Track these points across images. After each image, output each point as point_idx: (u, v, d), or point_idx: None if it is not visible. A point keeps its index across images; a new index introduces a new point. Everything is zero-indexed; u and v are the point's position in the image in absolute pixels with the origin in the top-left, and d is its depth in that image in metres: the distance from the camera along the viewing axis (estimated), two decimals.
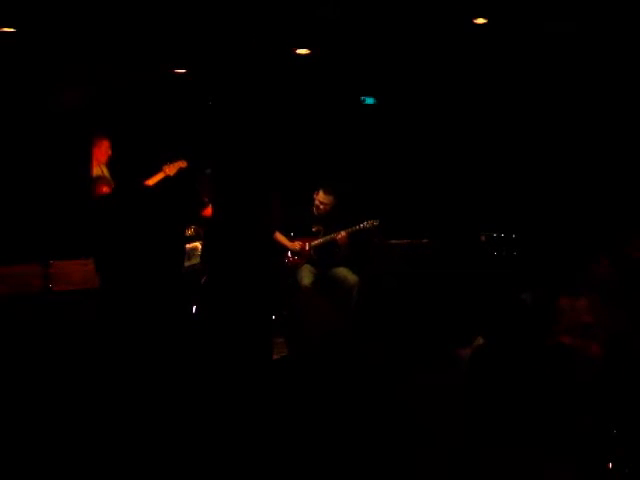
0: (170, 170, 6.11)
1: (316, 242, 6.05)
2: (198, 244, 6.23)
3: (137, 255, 5.40)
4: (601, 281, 4.02)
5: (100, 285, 5.28)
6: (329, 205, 6.02)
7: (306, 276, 5.91)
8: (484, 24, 5.60)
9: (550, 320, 3.67)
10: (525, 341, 3.35)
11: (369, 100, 7.55)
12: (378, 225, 5.91)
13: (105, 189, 5.97)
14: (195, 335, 4.90)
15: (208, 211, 6.16)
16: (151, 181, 6.08)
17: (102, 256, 5.39)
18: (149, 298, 5.25)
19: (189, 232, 6.28)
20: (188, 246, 6.20)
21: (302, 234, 6.10)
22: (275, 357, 4.77)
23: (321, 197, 6.03)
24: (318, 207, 6.03)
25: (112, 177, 6.12)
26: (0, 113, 6.17)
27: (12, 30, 5.65)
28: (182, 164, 6.16)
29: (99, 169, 6.06)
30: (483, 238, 6.39)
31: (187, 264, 6.12)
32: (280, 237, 6.10)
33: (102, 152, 6.09)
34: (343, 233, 5.89)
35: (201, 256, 6.11)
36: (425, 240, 6.57)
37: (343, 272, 5.94)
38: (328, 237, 5.99)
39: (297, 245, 6.03)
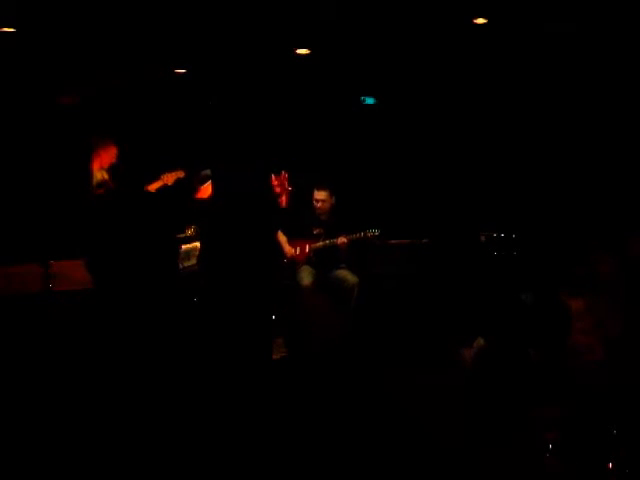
0: (168, 179, 6.13)
1: (316, 245, 6.05)
2: (198, 244, 6.23)
3: (131, 256, 5.40)
4: (603, 281, 4.01)
5: (94, 286, 5.29)
6: (326, 202, 6.04)
7: (306, 277, 5.91)
8: (484, 24, 5.60)
9: (550, 321, 3.67)
10: (525, 341, 3.35)
11: (369, 100, 7.55)
12: (378, 236, 5.92)
13: (102, 192, 5.98)
14: (195, 335, 4.90)
15: (200, 193, 6.21)
16: (150, 188, 6.10)
17: (95, 257, 5.39)
18: (147, 299, 5.25)
19: (189, 232, 6.29)
20: (188, 246, 6.20)
21: (303, 235, 6.11)
22: (275, 357, 4.77)
23: (316, 195, 6.07)
24: (317, 206, 6.07)
25: (112, 181, 6.12)
26: (1, 114, 6.18)
27: (12, 30, 5.65)
28: (180, 174, 6.18)
29: (100, 173, 6.05)
30: (483, 238, 6.39)
31: (187, 264, 6.12)
32: (281, 238, 6.12)
33: (108, 156, 6.08)
34: (344, 239, 5.90)
35: (198, 257, 6.11)
36: (425, 240, 6.57)
37: (343, 272, 5.94)
38: (329, 242, 6.00)
39: (291, 252, 6.06)
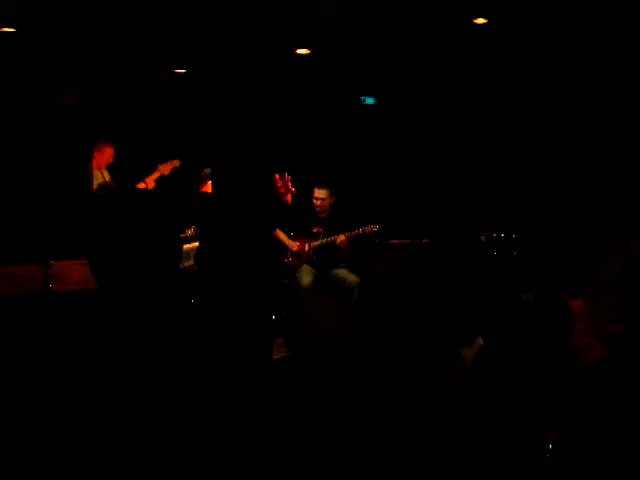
0: (165, 169, 6.14)
1: (316, 243, 6.04)
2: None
3: (133, 256, 5.40)
4: (604, 282, 4.01)
5: (97, 286, 5.29)
6: (326, 200, 6.05)
7: (306, 276, 5.91)
8: (484, 24, 5.60)
9: (551, 321, 3.67)
10: (525, 341, 3.35)
11: (369, 100, 7.55)
12: (378, 231, 5.92)
13: (103, 192, 5.99)
14: (195, 335, 4.90)
15: (207, 187, 6.25)
16: (147, 181, 6.10)
17: (97, 257, 5.39)
18: (147, 298, 5.24)
19: (189, 232, 6.28)
20: (188, 246, 6.20)
21: (303, 234, 6.11)
22: (275, 357, 4.77)
23: (316, 193, 6.07)
24: (316, 204, 6.06)
25: (113, 180, 6.13)
26: (0, 113, 6.17)
27: (12, 30, 5.65)
28: (176, 163, 6.19)
29: (99, 173, 6.06)
30: (483, 238, 6.39)
31: (187, 264, 6.12)
32: (281, 235, 6.11)
33: (104, 158, 6.09)
34: (343, 237, 5.90)
35: (195, 257, 6.11)
36: (425, 240, 6.57)
37: (343, 272, 5.94)
38: (328, 240, 5.99)
39: (295, 245, 6.04)
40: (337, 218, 6.09)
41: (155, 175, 6.13)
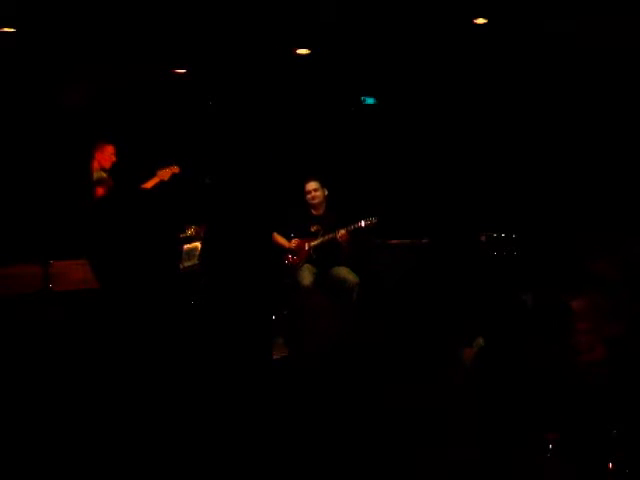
0: (164, 175, 6.15)
1: (315, 242, 6.03)
2: (198, 244, 6.24)
3: (134, 256, 5.40)
4: (604, 281, 4.01)
5: (97, 286, 5.29)
6: (318, 191, 6.02)
7: (306, 276, 5.90)
8: (484, 24, 5.61)
9: (550, 321, 3.67)
10: (525, 341, 3.35)
11: (369, 100, 7.55)
12: (377, 223, 5.90)
13: (101, 191, 5.99)
14: (195, 335, 4.90)
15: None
16: (146, 186, 6.11)
17: (98, 257, 5.40)
18: (147, 298, 5.25)
19: (189, 232, 6.29)
20: (188, 246, 6.20)
21: (301, 235, 6.10)
22: (275, 357, 4.77)
23: (307, 187, 6.04)
24: (310, 198, 6.03)
25: (112, 179, 6.14)
26: (1, 114, 6.18)
27: (12, 30, 5.65)
28: (175, 169, 6.20)
29: (99, 173, 6.06)
30: (483, 238, 6.39)
31: (187, 264, 6.12)
32: (277, 238, 6.10)
33: (105, 157, 6.09)
34: (343, 231, 5.87)
35: (199, 257, 6.11)
36: (425, 240, 6.57)
37: (343, 272, 5.92)
38: (328, 236, 5.97)
39: (293, 243, 6.03)
40: (333, 215, 6.08)
41: (154, 180, 6.15)
